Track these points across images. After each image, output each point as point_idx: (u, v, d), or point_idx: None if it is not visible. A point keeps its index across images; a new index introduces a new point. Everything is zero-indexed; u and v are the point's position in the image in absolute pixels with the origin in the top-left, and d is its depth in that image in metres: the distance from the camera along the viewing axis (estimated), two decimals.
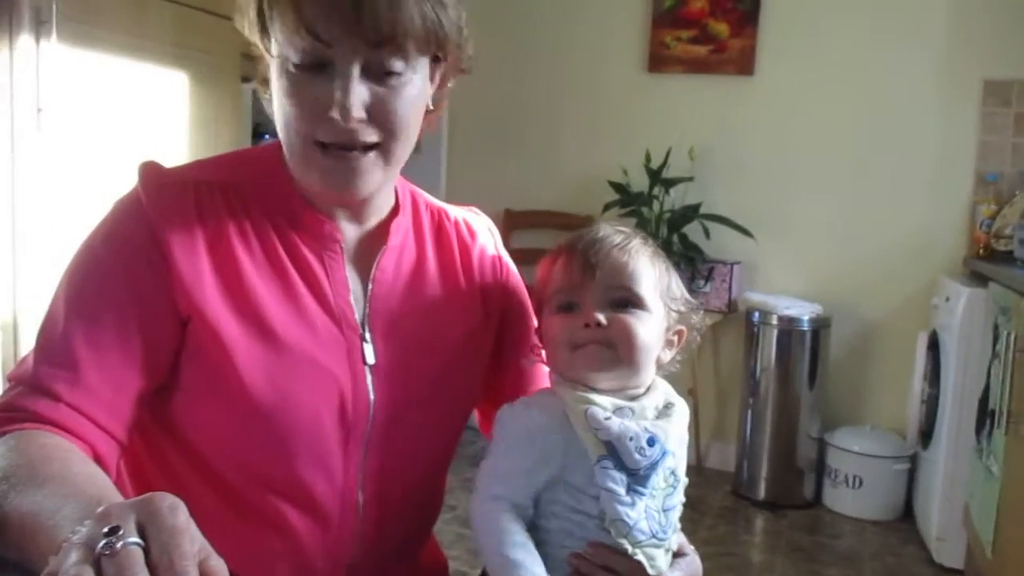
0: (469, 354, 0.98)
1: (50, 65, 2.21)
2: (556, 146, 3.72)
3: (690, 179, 3.37)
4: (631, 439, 0.84)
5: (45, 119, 2.25)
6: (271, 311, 0.85)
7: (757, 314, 3.24)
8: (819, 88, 3.35)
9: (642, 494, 0.85)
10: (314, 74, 0.80)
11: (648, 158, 3.38)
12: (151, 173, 0.86)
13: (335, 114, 0.79)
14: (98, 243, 0.85)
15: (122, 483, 0.89)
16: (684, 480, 0.91)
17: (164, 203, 0.84)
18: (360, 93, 0.80)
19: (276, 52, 0.82)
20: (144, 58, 2.51)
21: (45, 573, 0.50)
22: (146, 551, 0.49)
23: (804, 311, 3.19)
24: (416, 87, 0.84)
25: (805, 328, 3.17)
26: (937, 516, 2.76)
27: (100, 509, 0.53)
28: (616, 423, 0.85)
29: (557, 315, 0.92)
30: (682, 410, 0.92)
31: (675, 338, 0.95)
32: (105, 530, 0.50)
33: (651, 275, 0.92)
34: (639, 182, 3.41)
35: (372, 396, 0.89)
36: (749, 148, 3.45)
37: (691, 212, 3.33)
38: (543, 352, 0.95)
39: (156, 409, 0.86)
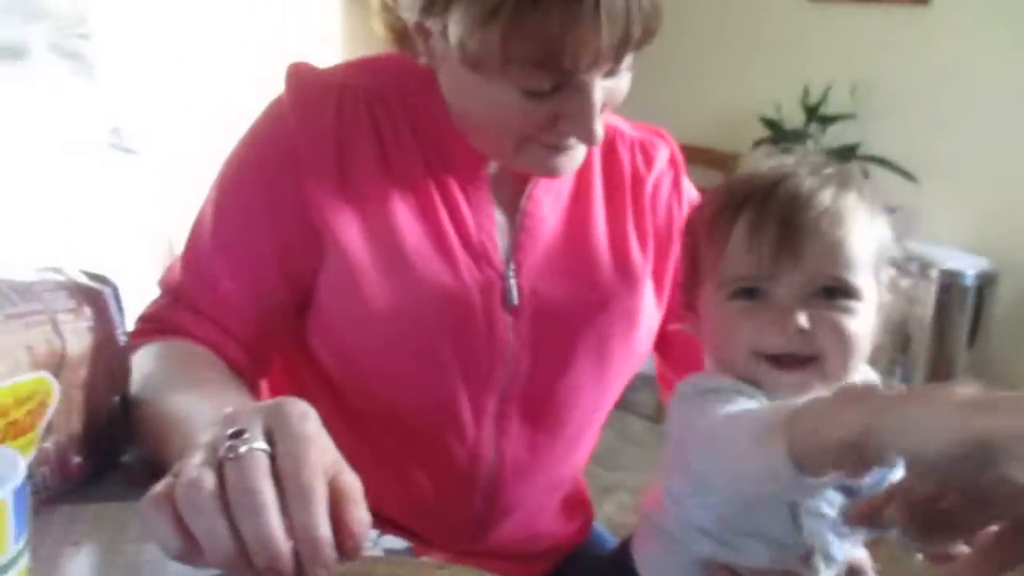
0: (634, 304, 0.85)
1: None
2: (704, 77, 3.53)
3: (851, 116, 3.15)
4: None
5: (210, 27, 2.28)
6: (404, 235, 0.78)
7: (915, 265, 3.02)
8: (1001, 19, 3.02)
9: None
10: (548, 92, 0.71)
11: (806, 93, 3.17)
12: (295, 74, 0.81)
13: (573, 129, 0.74)
14: (243, 147, 0.81)
15: None
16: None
17: (304, 108, 0.78)
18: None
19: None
20: None
21: (170, 474, 0.48)
22: (272, 458, 0.46)
23: (968, 264, 2.95)
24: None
25: (968, 284, 2.93)
26: None
27: (227, 411, 0.49)
28: None
29: (734, 304, 0.69)
30: None
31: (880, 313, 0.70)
32: (230, 432, 0.47)
33: (870, 248, 0.68)
34: (793, 119, 3.20)
35: (512, 342, 0.80)
36: (917, 84, 3.17)
37: (849, 152, 3.10)
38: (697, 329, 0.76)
39: (297, 331, 0.83)
